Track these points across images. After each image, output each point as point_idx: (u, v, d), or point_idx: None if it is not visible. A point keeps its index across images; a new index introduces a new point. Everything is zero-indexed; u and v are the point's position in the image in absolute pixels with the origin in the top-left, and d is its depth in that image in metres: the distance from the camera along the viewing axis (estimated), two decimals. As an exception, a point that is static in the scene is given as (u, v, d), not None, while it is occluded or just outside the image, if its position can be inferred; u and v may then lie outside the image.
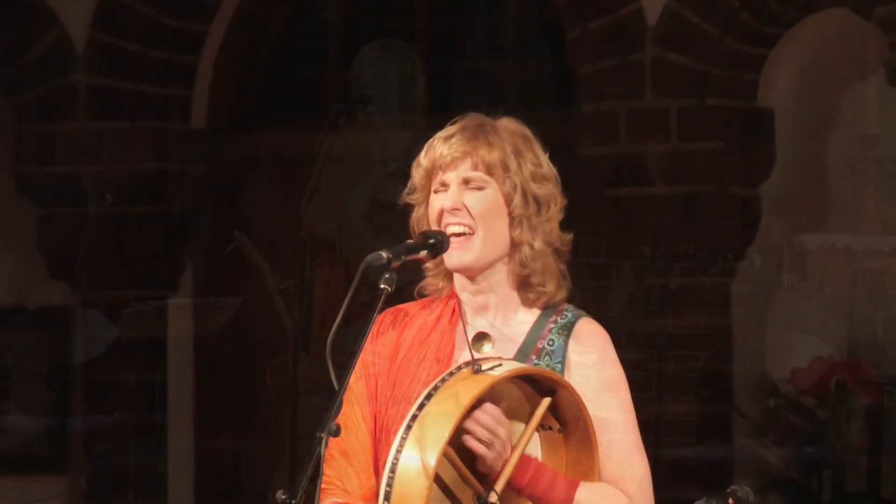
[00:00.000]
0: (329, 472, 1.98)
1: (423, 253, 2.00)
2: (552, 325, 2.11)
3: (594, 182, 6.66)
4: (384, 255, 1.87)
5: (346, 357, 1.79)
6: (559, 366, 2.06)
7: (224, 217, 7.54)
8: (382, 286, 1.87)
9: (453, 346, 2.10)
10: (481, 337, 2.04)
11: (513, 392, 1.92)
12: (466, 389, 1.81)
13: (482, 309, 2.13)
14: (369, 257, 1.87)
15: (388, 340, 2.13)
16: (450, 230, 2.05)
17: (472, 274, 2.09)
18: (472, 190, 2.05)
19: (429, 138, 2.12)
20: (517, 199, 2.06)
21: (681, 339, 6.57)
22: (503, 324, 2.12)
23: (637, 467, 2.07)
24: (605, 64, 6.82)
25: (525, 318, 2.13)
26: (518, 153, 2.09)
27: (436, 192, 2.10)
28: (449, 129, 2.13)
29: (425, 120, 7.31)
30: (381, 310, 1.95)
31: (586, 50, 6.88)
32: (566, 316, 2.12)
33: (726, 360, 6.65)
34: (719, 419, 6.67)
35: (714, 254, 6.57)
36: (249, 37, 7.70)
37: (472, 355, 1.99)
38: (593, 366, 2.06)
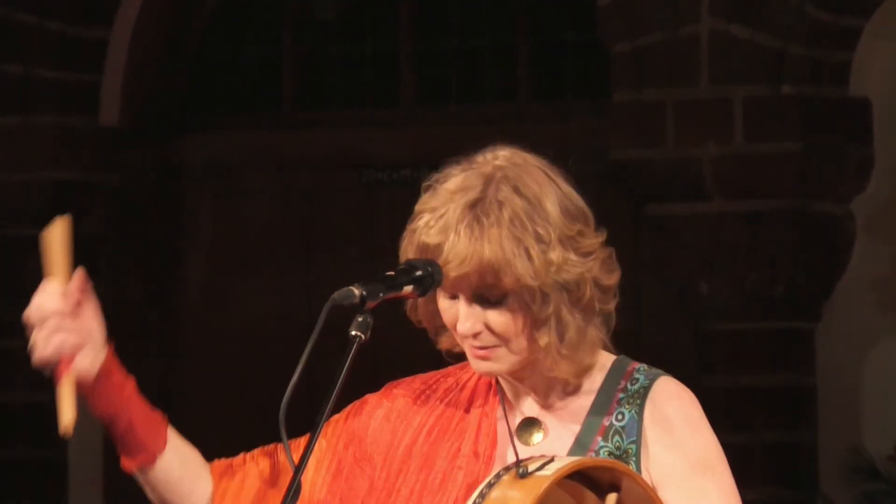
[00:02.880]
0: None
1: (409, 289, 1.97)
2: (620, 395, 2.09)
3: (631, 196, 6.67)
4: (356, 291, 1.83)
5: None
6: (633, 445, 2.03)
7: (144, 241, 7.53)
8: (354, 333, 1.85)
9: (495, 436, 2.08)
10: (529, 424, 2.01)
11: (563, 497, 1.91)
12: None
13: (528, 390, 2.12)
14: (336, 295, 1.84)
15: (400, 426, 2.13)
16: (472, 352, 2.02)
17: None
18: (490, 305, 2.01)
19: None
20: (538, 304, 2.02)
21: (747, 403, 6.57)
22: (559, 399, 2.11)
23: None
24: (646, 40, 6.84)
25: (586, 387, 2.11)
26: (519, 241, 2.01)
27: (443, 293, 2.04)
28: (444, 214, 2.03)
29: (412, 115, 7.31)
30: (352, 365, 1.93)
31: (622, 22, 6.91)
32: (637, 380, 2.11)
33: (808, 430, 6.64)
34: (800, 509, 6.68)
35: (792, 290, 6.58)
36: (177, 6, 7.71)
37: (515, 450, 1.98)
38: (679, 440, 2.05)
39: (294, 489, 1.74)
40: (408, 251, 2.05)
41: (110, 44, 7.42)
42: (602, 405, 2.07)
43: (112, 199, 7.43)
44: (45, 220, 6.11)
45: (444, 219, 2.01)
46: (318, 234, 7.40)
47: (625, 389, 2.08)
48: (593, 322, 2.08)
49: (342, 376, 1.86)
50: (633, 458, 2.01)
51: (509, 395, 2.11)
